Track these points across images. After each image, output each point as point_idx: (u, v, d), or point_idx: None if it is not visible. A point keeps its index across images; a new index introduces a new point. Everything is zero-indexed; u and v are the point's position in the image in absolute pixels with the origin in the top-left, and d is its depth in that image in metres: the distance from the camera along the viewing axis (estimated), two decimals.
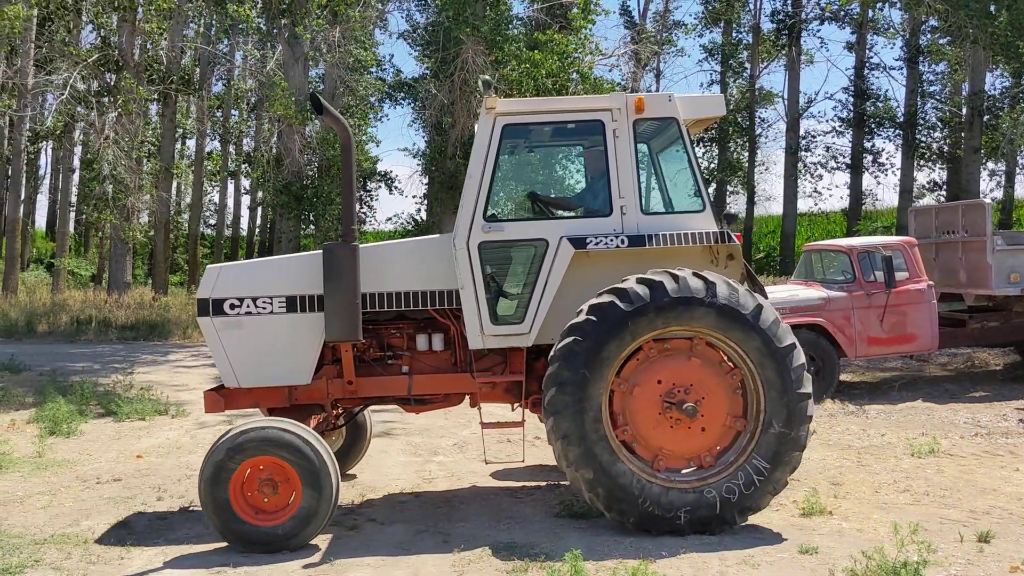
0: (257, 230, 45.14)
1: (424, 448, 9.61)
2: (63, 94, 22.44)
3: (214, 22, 31.10)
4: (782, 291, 12.87)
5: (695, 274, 6.28)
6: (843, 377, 13.49)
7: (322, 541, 6.41)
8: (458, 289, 6.66)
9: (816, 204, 38.73)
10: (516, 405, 7.18)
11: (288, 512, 6.19)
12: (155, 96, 25.33)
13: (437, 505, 7.40)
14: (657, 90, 41.47)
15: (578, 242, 6.59)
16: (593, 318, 6.17)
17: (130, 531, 6.75)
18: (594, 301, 6.25)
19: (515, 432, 8.87)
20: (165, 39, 27.76)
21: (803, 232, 39.34)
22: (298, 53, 23.36)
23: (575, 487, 6.41)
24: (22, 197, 33.51)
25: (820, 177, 37.55)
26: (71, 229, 43.01)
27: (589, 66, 25.79)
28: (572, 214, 7.34)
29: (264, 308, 6.80)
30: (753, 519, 6.71)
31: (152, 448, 9.66)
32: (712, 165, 38.96)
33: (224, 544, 6.32)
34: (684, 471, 6.39)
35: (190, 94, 27.72)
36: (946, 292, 13.47)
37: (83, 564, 5.96)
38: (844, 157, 36.25)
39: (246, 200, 45.15)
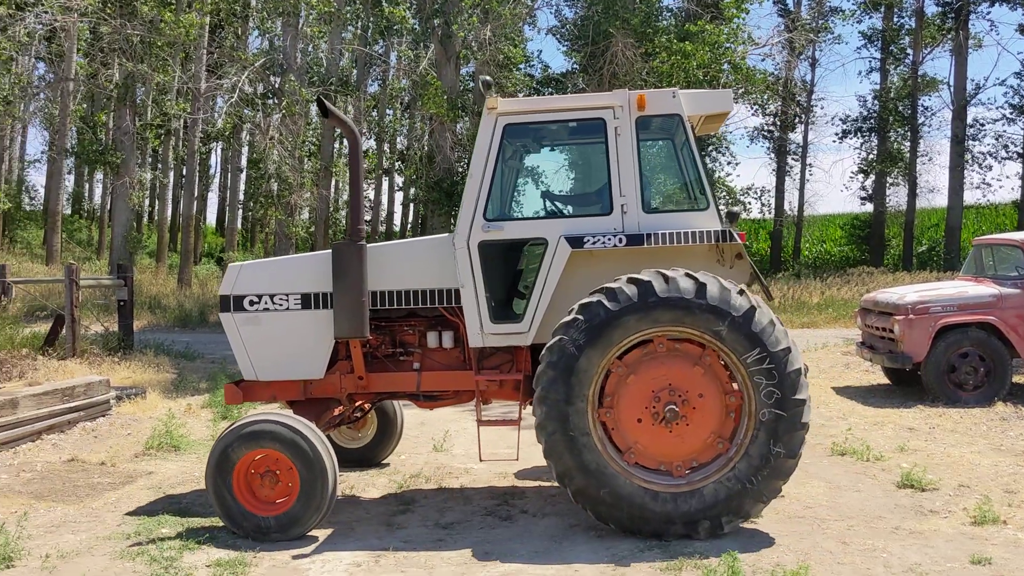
0: (410, 225, 46.43)
1: None
2: (232, 97, 23.71)
3: (370, 24, 32.08)
4: (950, 287, 12.25)
5: (687, 275, 6.10)
6: (1016, 379, 12.71)
7: (478, 531, 6.56)
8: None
9: (984, 196, 36.61)
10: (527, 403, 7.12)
11: (287, 503, 6.40)
12: (316, 97, 26.43)
13: None
14: (812, 79, 40.21)
15: (575, 241, 6.53)
16: (580, 317, 6.10)
17: None
18: (584, 300, 6.19)
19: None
20: (325, 42, 28.88)
21: (970, 225, 37.28)
22: (450, 52, 23.84)
23: (560, 487, 6.30)
24: (195, 195, 35.57)
25: (989, 168, 35.45)
26: (239, 225, 45.40)
27: (742, 56, 25.25)
28: (574, 213, 7.30)
29: (280, 305, 7.08)
30: (920, 526, 6.44)
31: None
32: (871, 156, 37.43)
33: (387, 528, 6.60)
34: (710, 464, 6.21)
35: (348, 95, 28.73)
36: None
37: (254, 542, 6.29)
38: (1016, 146, 34.09)
39: (399, 196, 46.55)
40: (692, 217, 6.63)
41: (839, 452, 8.77)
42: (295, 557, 6.00)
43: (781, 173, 40.24)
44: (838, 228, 44.26)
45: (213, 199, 56.86)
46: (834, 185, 75.08)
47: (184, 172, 38.53)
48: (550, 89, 32.33)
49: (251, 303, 7.10)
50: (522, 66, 32.58)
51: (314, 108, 22.41)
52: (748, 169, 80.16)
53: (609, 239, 6.52)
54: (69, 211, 51.85)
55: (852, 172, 45.41)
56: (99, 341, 15.25)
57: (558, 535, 6.43)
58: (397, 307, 7.06)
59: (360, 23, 31.14)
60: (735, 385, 6.16)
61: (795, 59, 35.45)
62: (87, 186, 55.80)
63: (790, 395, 5.96)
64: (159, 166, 40.85)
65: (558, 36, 33.21)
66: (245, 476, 6.45)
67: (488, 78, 6.81)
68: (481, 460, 7.36)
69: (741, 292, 6.08)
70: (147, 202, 50.06)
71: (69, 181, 51.23)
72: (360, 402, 7.87)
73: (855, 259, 37.65)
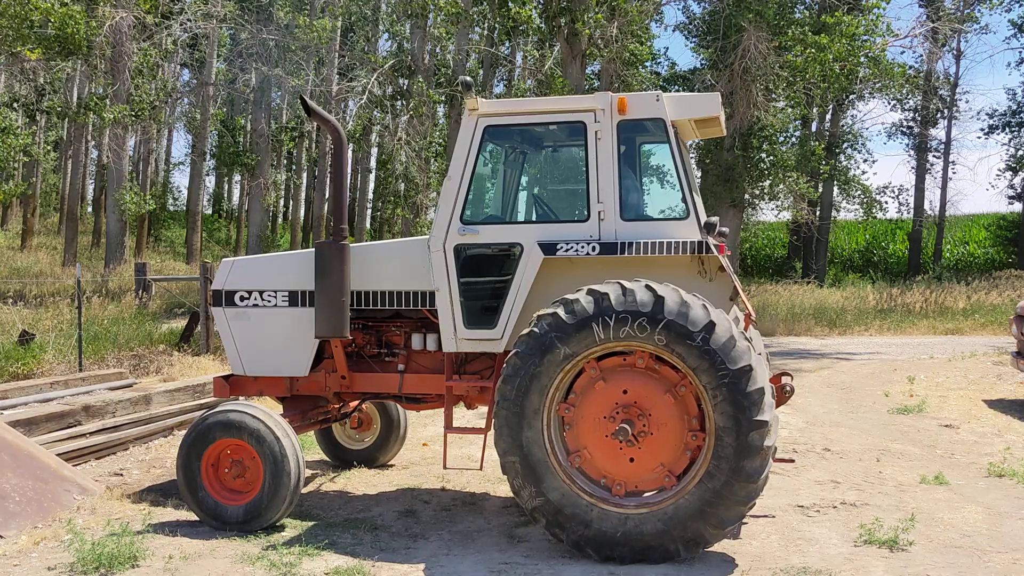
0: None
1: None
2: (362, 99, 24.12)
3: (497, 25, 32.15)
4: None
5: (647, 286, 5.70)
6: None
7: None
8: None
9: None
10: None
11: (251, 494, 6.50)
12: (443, 98, 26.64)
13: None
14: (956, 72, 38.21)
15: (548, 248, 6.31)
16: (536, 330, 5.85)
17: (416, 520, 6.96)
18: (543, 311, 5.91)
19: None
20: (452, 44, 29.09)
21: None
22: (576, 50, 23.56)
23: (521, 505, 6.04)
24: (327, 195, 36.47)
25: None
26: (367, 224, 46.37)
27: (881, 48, 24.10)
28: (551, 219, 7.11)
29: (269, 301, 7.17)
30: None
31: (437, 436, 9.98)
32: (1020, 152, 35.28)
33: (509, 540, 6.38)
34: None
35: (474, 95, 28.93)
36: None
37: (373, 550, 6.17)
38: None
39: None
40: (671, 226, 6.30)
41: (997, 473, 8.08)
42: (414, 568, 5.85)
43: (921, 171, 38.40)
44: (982, 229, 41.97)
45: None
46: (979, 183, 71.20)
47: (316, 173, 39.60)
48: (676, 87, 31.71)
49: (241, 298, 7.25)
50: (648, 63, 31.99)
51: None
52: (885, 167, 77.01)
53: (583, 247, 6.28)
54: (210, 211, 54.17)
55: (999, 169, 42.88)
56: None
57: (688, 557, 6.03)
58: (382, 307, 7.06)
59: (487, 24, 31.25)
60: (701, 415, 5.80)
61: (938, 51, 33.63)
62: (226, 187, 58.13)
63: (750, 416, 5.53)
64: (293, 167, 42.10)
65: (685, 32, 32.52)
66: (215, 465, 6.59)
67: (468, 79, 6.69)
68: (445, 467, 7.13)
69: (704, 307, 5.67)
70: (281, 202, 51.73)
71: (210, 182, 53.53)
72: (348, 401, 7.86)
73: (1001, 262, 35.63)
